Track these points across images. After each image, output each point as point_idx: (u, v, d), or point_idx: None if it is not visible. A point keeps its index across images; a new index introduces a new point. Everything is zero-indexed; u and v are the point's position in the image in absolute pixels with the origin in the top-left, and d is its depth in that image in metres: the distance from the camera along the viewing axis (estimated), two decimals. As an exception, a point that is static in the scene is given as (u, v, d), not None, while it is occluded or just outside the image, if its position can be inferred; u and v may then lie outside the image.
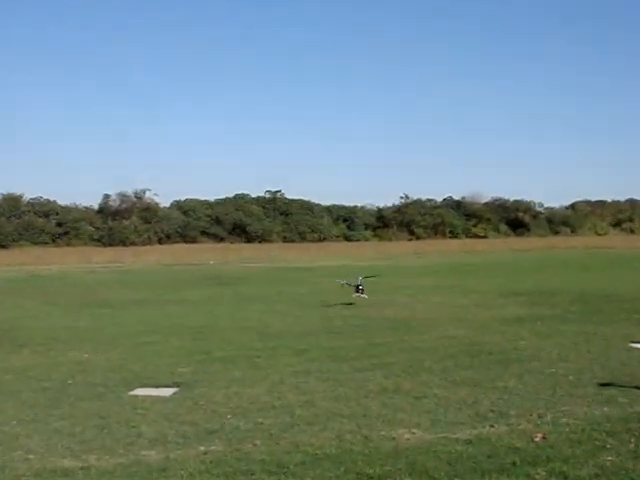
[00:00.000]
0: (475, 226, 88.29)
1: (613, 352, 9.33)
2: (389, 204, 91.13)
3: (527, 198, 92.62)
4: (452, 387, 7.48)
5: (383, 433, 5.85)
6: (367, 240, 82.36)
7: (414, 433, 5.84)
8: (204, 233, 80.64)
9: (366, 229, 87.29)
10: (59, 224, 75.46)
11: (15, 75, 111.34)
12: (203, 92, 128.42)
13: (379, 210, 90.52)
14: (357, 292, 16.27)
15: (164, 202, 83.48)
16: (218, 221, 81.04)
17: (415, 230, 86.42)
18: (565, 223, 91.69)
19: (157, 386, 7.94)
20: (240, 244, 74.10)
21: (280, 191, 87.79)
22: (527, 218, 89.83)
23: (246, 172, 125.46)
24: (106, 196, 79.68)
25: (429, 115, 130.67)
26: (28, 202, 76.01)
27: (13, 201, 75.17)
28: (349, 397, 7.16)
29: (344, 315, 14.78)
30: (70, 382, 8.26)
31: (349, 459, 5.18)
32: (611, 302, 15.85)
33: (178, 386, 7.89)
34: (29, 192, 79.85)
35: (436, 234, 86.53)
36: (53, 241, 73.28)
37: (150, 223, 77.91)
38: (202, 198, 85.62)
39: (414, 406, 6.71)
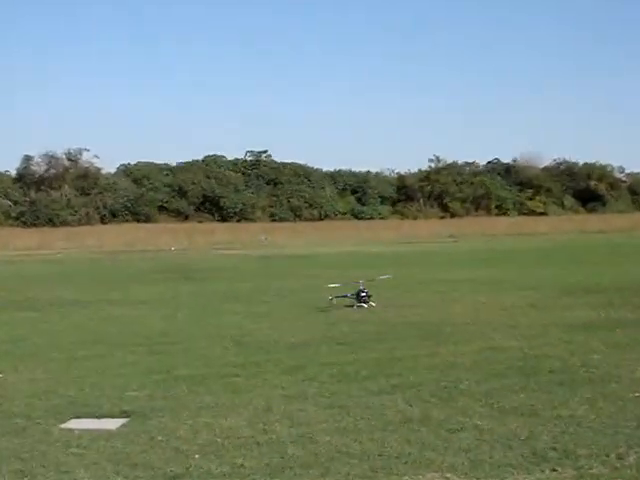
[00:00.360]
0: (531, 199, 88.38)
1: None
2: (414, 170, 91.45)
3: (603, 161, 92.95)
4: (499, 416, 7.50)
5: (406, 478, 5.85)
6: (384, 219, 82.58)
7: (448, 478, 5.85)
8: (163, 209, 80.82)
9: (383, 203, 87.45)
10: (-38, 197, 75.58)
11: None
12: (158, 25, 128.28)
13: (400, 178, 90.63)
14: (360, 302, 16.19)
15: (108, 167, 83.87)
16: (182, 193, 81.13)
17: (449, 205, 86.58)
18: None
19: (99, 416, 7.97)
20: (212, 224, 74.33)
21: (266, 152, 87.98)
22: (602, 188, 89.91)
23: (220, 127, 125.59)
24: (27, 158, 79.75)
25: (464, 54, 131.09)
26: None
27: None
28: (360, 430, 7.18)
29: (353, 319, 14.81)
30: (-20, 411, 8.27)
31: (360, 515, 5.19)
32: None
33: (128, 416, 7.92)
34: None
35: (478, 210, 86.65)
36: (-45, 220, 73.56)
37: (89, 195, 77.98)
38: (160, 161, 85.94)
39: (448, 442, 6.72)
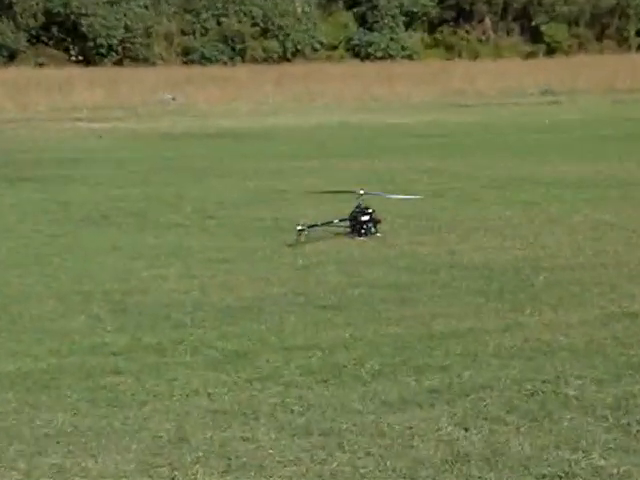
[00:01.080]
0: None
1: None
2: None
3: None
4: (638, 447, 7.44)
5: None
6: (413, 58, 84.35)
7: None
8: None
9: (410, 27, 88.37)
10: None
11: None
12: None
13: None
14: (360, 233, 16.05)
15: None
16: (4, 6, 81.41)
17: (544, 29, 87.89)
18: None
19: None
20: (66, 69, 74.01)
21: None
22: None
23: None
24: None
25: None
26: None
27: None
28: (368, 477, 7.06)
29: (350, 259, 14.94)
30: None
31: None
32: None
33: None
34: None
35: (601, 40, 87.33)
36: None
37: None
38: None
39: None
